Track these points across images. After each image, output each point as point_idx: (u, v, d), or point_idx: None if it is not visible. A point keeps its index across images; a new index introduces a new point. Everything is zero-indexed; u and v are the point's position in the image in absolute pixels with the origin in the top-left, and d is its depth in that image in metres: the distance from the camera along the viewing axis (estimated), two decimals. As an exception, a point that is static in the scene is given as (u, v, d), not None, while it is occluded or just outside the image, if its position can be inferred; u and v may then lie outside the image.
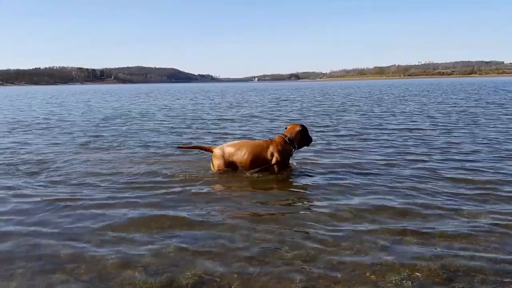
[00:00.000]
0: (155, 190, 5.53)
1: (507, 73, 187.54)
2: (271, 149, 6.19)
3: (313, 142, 6.83)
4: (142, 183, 5.90)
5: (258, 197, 5.23)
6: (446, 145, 8.58)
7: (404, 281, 3.11)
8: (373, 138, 9.84)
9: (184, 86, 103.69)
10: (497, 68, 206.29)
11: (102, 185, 5.87)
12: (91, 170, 6.76)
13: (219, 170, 6.28)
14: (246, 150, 6.18)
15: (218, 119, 15.43)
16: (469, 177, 5.92)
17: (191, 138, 10.30)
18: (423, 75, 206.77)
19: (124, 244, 3.82)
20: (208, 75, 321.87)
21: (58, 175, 6.45)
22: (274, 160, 6.15)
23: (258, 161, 6.16)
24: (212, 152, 6.43)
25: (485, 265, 3.33)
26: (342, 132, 10.98)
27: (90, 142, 9.90)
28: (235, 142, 6.50)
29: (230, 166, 6.26)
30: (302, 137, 6.40)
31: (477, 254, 3.53)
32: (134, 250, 3.69)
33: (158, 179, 6.13)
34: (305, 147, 6.67)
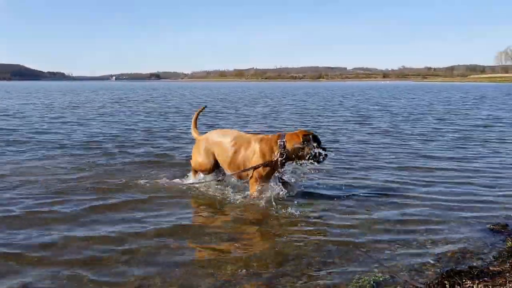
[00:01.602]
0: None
1: (349, 78, 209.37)
2: (253, 146, 4.94)
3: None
4: None
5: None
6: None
7: (239, 270, 3.25)
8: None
9: (24, 86, 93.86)
10: (341, 73, 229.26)
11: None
12: None
13: (195, 166, 5.38)
14: (230, 140, 5.07)
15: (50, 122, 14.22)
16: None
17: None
18: (278, 78, 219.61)
19: None
20: (59, 73, 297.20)
21: None
22: (251, 163, 4.90)
23: (238, 159, 5.03)
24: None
25: (311, 248, 3.67)
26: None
27: None
28: (223, 129, 5.46)
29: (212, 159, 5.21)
30: (301, 148, 4.79)
31: (305, 239, 3.87)
32: None
33: None
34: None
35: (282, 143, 4.80)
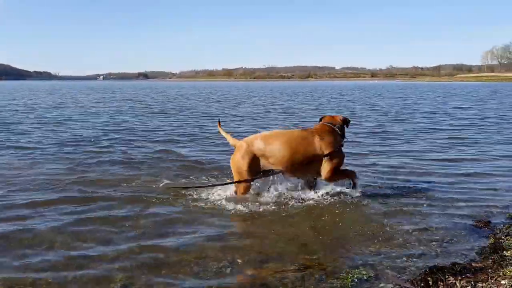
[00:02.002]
0: None
1: (337, 78, 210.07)
2: (317, 140, 4.84)
3: None
4: None
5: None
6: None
7: (224, 268, 3.25)
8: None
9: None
10: (329, 73, 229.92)
11: None
12: None
13: (239, 171, 4.84)
14: (281, 142, 4.80)
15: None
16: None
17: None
18: (267, 78, 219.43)
19: None
20: (46, 72, 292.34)
21: None
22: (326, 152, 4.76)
23: (301, 158, 4.78)
24: (234, 146, 5.01)
25: (296, 246, 3.68)
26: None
27: None
28: (267, 132, 5.06)
29: (258, 165, 4.84)
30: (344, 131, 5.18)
31: (290, 238, 3.87)
32: None
33: None
34: None
35: (339, 127, 4.98)
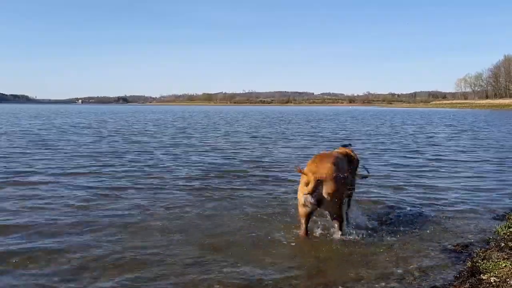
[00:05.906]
0: None
1: (316, 103, 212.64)
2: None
3: None
4: None
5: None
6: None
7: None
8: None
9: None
10: (308, 98, 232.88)
11: None
12: None
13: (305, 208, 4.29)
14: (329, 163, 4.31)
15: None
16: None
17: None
18: (247, 102, 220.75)
19: None
20: (23, 96, 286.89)
21: None
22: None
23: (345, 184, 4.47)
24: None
25: (275, 276, 3.67)
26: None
27: None
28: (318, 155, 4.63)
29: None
30: None
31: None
32: None
33: None
34: None
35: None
